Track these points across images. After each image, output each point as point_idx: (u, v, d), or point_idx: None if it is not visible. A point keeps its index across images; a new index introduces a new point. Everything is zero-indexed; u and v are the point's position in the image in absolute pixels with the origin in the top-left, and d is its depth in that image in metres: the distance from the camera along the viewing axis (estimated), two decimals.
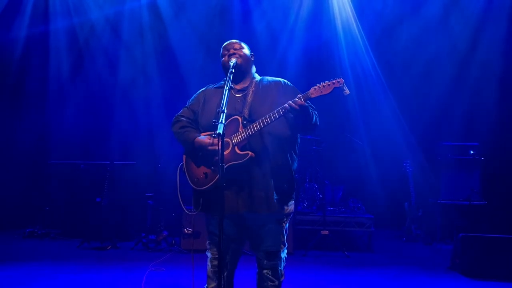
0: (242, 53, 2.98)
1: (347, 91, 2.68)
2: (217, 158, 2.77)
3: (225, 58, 2.98)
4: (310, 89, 2.73)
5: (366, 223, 6.03)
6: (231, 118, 2.82)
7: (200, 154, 2.88)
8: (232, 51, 2.97)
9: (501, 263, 4.55)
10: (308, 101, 2.75)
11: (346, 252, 5.58)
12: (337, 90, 2.69)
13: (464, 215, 6.37)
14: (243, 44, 3.04)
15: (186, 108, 3.10)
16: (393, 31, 7.21)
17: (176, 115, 3.11)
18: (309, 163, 6.67)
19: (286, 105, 2.70)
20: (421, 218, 6.66)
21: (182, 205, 3.06)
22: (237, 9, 7.32)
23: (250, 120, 2.82)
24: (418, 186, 6.80)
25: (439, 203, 6.60)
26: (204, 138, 2.86)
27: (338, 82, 2.68)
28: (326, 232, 5.71)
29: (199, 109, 3.01)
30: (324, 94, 2.70)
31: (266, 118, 2.74)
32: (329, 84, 2.69)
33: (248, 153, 2.75)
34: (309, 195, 6.54)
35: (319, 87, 2.71)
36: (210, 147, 2.80)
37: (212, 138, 2.82)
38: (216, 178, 2.77)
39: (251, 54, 3.06)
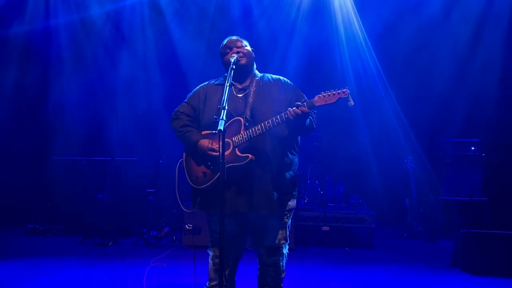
0: (245, 51, 2.95)
1: (351, 102, 2.69)
2: (216, 153, 2.78)
3: (227, 56, 2.94)
4: (315, 97, 2.74)
5: (367, 219, 6.03)
6: (233, 119, 2.81)
7: (201, 153, 2.88)
8: (235, 49, 2.94)
9: (502, 260, 4.54)
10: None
11: (347, 248, 5.59)
12: (342, 100, 2.71)
13: (465, 212, 6.37)
14: (244, 42, 3.01)
15: (185, 104, 3.08)
16: (394, 27, 7.18)
17: (175, 110, 3.10)
18: (310, 159, 6.67)
19: (292, 110, 2.69)
20: (422, 214, 6.66)
21: (180, 202, 3.06)
22: (237, 5, 7.30)
23: (252, 121, 2.81)
24: (419, 182, 6.80)
25: (440, 199, 6.60)
26: (205, 142, 2.86)
27: (344, 92, 2.69)
28: (327, 228, 5.72)
29: (199, 106, 3.00)
30: (329, 103, 2.71)
31: (268, 123, 2.73)
32: (334, 94, 2.70)
33: (248, 156, 2.75)
34: (310, 192, 6.54)
35: (324, 96, 2.72)
36: (213, 153, 2.80)
37: (211, 143, 2.82)
38: (215, 177, 2.77)
39: (252, 50, 3.05)
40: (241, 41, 3.00)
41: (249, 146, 2.79)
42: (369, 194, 7.05)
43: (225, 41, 3.02)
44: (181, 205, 3.09)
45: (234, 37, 3.02)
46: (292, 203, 2.95)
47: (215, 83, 3.05)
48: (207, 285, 3.08)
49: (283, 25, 7.34)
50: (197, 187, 2.90)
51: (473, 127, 6.99)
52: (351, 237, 6.40)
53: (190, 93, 3.11)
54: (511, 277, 4.44)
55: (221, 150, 2.46)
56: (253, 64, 3.05)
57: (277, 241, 2.92)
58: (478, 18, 6.99)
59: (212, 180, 2.82)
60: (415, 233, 6.60)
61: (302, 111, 2.68)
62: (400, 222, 6.96)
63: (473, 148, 6.66)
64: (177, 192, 3.02)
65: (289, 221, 2.99)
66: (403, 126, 7.19)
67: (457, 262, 4.84)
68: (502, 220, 6.15)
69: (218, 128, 2.44)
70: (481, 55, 7.02)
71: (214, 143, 2.82)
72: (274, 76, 3.05)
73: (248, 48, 3.00)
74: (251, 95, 2.89)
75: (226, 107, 2.54)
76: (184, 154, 3.01)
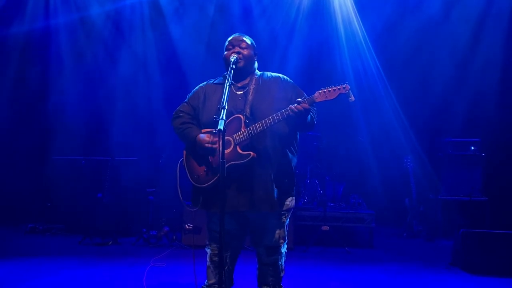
0: (245, 53, 2.94)
1: (352, 98, 2.68)
2: (215, 146, 2.78)
3: (228, 53, 2.95)
4: (315, 93, 2.73)
5: (367, 219, 6.03)
6: (233, 117, 2.81)
7: (201, 152, 2.88)
8: (237, 49, 2.94)
9: (502, 259, 4.54)
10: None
11: (347, 248, 5.59)
12: (342, 96, 2.70)
13: (465, 211, 6.37)
14: (249, 42, 3.00)
15: (185, 103, 3.09)
16: (394, 27, 7.17)
17: (176, 110, 3.11)
18: (310, 159, 6.67)
19: (293, 107, 2.69)
20: (422, 214, 6.66)
21: (183, 202, 3.06)
22: (237, 4, 7.31)
23: (252, 118, 2.81)
24: (419, 182, 6.80)
25: (440, 199, 6.61)
26: (204, 136, 2.86)
27: (344, 88, 2.69)
28: (326, 227, 5.72)
29: (199, 106, 3.01)
30: (329, 99, 2.71)
31: (269, 119, 2.73)
32: (334, 90, 2.70)
33: (250, 154, 2.75)
34: (309, 191, 6.54)
35: (324, 91, 2.71)
36: (207, 145, 2.80)
37: (211, 137, 2.82)
38: (218, 176, 2.76)
39: (255, 53, 3.04)
40: (246, 42, 2.98)
41: (250, 143, 2.79)
42: (369, 193, 7.05)
43: (231, 37, 3.02)
44: (184, 204, 3.09)
45: (241, 36, 3.01)
46: (291, 202, 2.96)
47: (214, 82, 3.06)
48: (206, 283, 3.08)
49: (283, 25, 7.34)
50: (199, 185, 2.90)
51: (473, 127, 6.98)
52: (351, 237, 6.40)
53: (190, 93, 3.12)
54: (511, 276, 4.45)
55: (221, 150, 2.46)
56: (253, 66, 3.04)
57: (276, 240, 2.93)
58: (478, 18, 6.98)
59: (215, 179, 2.82)
60: (415, 232, 6.60)
61: (303, 108, 2.69)
62: (400, 222, 6.96)
63: (473, 148, 6.66)
64: (179, 191, 3.01)
65: (287, 221, 2.99)
66: (403, 126, 7.19)
67: (456, 262, 4.84)
68: (502, 220, 6.15)
69: (218, 128, 2.44)
70: (481, 55, 7.01)
71: (213, 138, 2.82)
72: (273, 74, 3.05)
73: (250, 50, 2.98)
74: (250, 93, 2.90)
75: (226, 107, 2.55)
76: (184, 152, 3.01)
